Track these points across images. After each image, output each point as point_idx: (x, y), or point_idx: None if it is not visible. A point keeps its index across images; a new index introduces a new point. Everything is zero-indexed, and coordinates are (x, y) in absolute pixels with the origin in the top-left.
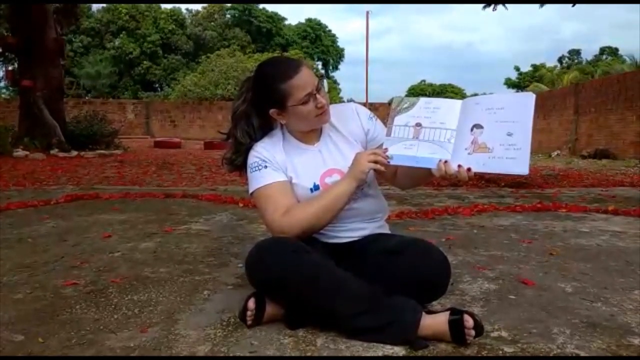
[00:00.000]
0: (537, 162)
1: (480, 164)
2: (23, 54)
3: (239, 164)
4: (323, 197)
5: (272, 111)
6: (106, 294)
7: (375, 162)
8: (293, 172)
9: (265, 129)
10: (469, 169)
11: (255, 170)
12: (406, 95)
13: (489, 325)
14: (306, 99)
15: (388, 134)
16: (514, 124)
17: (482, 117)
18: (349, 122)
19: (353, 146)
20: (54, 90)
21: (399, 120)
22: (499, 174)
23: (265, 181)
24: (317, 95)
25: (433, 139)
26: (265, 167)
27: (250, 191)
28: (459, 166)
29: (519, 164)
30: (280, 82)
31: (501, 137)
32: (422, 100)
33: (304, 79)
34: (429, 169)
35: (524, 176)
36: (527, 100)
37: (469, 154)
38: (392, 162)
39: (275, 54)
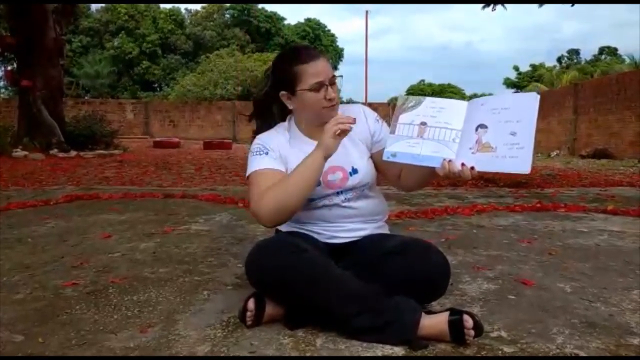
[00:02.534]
0: (536, 162)
1: (483, 163)
2: (22, 53)
3: None
4: (291, 173)
5: (282, 93)
6: (106, 294)
7: (341, 129)
8: (295, 166)
9: (284, 117)
10: (472, 168)
11: (255, 154)
12: (406, 95)
13: (489, 325)
14: (316, 87)
15: (392, 132)
16: (517, 124)
17: (487, 118)
18: (356, 123)
19: (358, 146)
20: (53, 90)
21: (403, 118)
22: (500, 172)
23: (260, 166)
24: (329, 88)
25: (438, 138)
26: (266, 153)
27: (247, 174)
28: (462, 164)
29: (520, 163)
30: (295, 64)
31: (505, 137)
32: (428, 99)
33: (319, 67)
34: (433, 169)
35: (525, 175)
36: (531, 100)
37: (472, 153)
38: (395, 160)
39: (275, 54)
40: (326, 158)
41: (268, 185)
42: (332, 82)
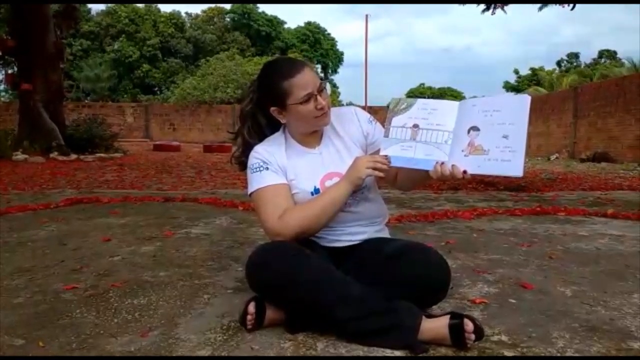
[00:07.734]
0: (536, 165)
1: (475, 166)
2: (22, 57)
3: (247, 163)
4: (318, 200)
5: (272, 109)
6: (106, 298)
7: (374, 169)
8: (294, 175)
9: (272, 128)
10: (464, 171)
11: (256, 171)
12: (398, 97)
13: (489, 329)
14: (306, 99)
15: (386, 135)
16: (509, 126)
17: (479, 119)
18: (349, 125)
19: (353, 149)
20: (53, 94)
21: (396, 121)
22: (495, 176)
23: (264, 183)
24: (318, 97)
25: (430, 140)
26: (267, 168)
27: (249, 192)
28: (453, 166)
29: (513, 167)
30: (281, 80)
31: (497, 140)
32: (420, 101)
33: (306, 79)
34: (427, 171)
35: (519, 178)
36: (523, 102)
37: (465, 155)
38: (390, 164)
39: (276, 57)
40: (355, 191)
41: (279, 202)
42: (320, 89)
